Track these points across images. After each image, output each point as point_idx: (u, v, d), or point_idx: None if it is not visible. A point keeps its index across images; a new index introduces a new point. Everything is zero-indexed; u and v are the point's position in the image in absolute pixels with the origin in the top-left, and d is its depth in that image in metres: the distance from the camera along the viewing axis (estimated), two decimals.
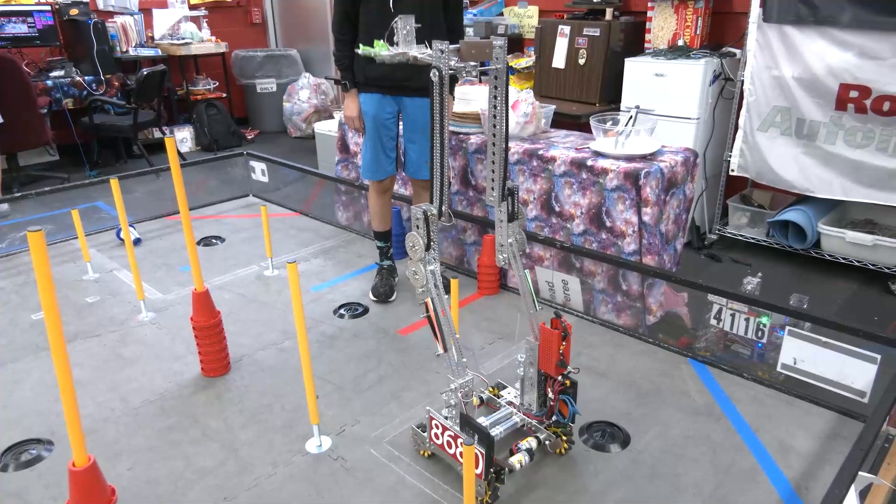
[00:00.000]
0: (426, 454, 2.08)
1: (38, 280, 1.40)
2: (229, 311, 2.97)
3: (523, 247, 2.08)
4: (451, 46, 1.85)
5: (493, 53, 1.88)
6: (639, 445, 2.14)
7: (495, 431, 2.03)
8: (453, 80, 2.81)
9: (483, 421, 2.08)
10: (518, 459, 1.93)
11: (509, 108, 1.95)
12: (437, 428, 1.98)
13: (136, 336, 2.82)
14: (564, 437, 2.06)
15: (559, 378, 1.97)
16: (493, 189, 1.99)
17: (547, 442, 2.06)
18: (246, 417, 2.29)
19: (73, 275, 3.42)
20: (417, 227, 1.85)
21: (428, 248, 1.87)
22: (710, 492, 1.94)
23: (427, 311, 1.89)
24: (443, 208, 1.90)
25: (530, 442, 2.00)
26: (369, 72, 2.78)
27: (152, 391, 2.43)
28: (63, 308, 3.02)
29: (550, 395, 2.02)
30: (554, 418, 2.04)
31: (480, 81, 4.71)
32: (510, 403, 2.18)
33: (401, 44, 1.87)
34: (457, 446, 1.92)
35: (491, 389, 2.27)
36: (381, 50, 1.87)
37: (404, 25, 1.85)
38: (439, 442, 2.00)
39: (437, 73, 1.81)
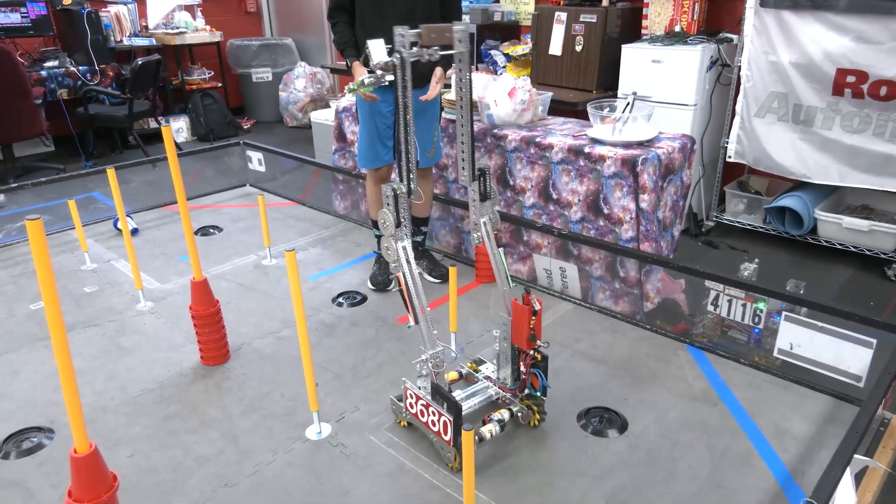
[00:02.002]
0: (403, 423, 2.16)
1: (38, 267, 1.40)
2: (228, 300, 2.97)
3: (497, 225, 2.16)
4: (411, 32, 1.93)
5: (455, 37, 1.97)
6: (636, 430, 2.15)
7: (470, 403, 2.15)
8: (446, 66, 2.80)
9: (460, 393, 2.19)
10: (489, 429, 2.01)
11: (472, 90, 2.08)
12: (412, 398, 2.06)
13: (134, 325, 2.82)
14: (536, 410, 2.12)
15: (530, 352, 2.03)
16: (463, 169, 2.10)
17: (519, 414, 2.13)
18: (245, 405, 2.29)
19: (70, 265, 3.41)
20: (388, 204, 1.93)
21: (398, 224, 1.96)
22: (706, 476, 1.95)
23: (399, 284, 1.97)
24: (412, 186, 1.99)
25: (503, 414, 2.08)
26: (366, 62, 2.77)
27: (152, 380, 2.44)
28: (61, 298, 3.00)
29: (522, 368, 2.08)
30: (526, 391, 2.11)
31: (477, 69, 4.71)
32: (487, 378, 2.26)
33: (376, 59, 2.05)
34: (429, 415, 2.00)
35: (470, 364, 2.36)
36: (363, 81, 2.10)
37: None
38: (413, 411, 2.08)
39: (398, 57, 1.90)
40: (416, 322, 1.97)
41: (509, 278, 2.11)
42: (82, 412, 1.55)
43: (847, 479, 1.58)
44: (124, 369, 2.51)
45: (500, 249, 2.13)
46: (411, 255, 1.98)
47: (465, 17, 4.78)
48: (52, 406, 2.30)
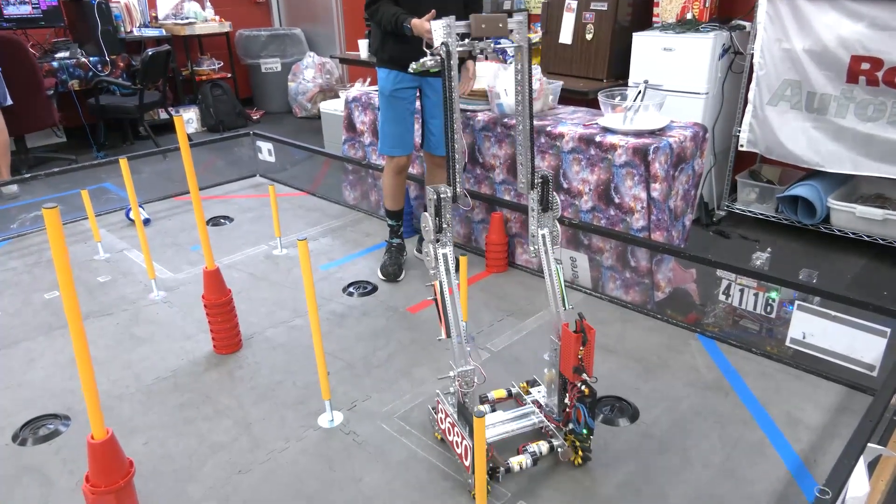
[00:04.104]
0: (438, 437, 2.07)
1: (54, 256, 1.41)
2: (239, 289, 2.98)
3: (557, 240, 1.99)
4: (461, 22, 1.82)
5: (510, 28, 1.84)
6: (647, 419, 2.15)
7: (511, 427, 2.00)
8: (472, 56, 2.78)
9: (502, 415, 2.04)
10: (519, 461, 1.89)
11: (533, 87, 1.92)
12: (442, 413, 1.98)
13: (147, 315, 2.84)
14: (580, 447, 1.93)
15: (578, 384, 1.84)
16: (522, 175, 1.95)
17: (559, 450, 1.94)
18: (258, 394, 2.31)
19: (84, 255, 3.44)
20: (430, 208, 1.82)
21: (439, 230, 1.84)
22: (718, 464, 1.95)
23: (434, 294, 1.85)
24: (458, 190, 1.86)
25: (540, 446, 1.93)
26: (390, 50, 2.76)
27: (165, 369, 2.46)
28: (75, 287, 3.04)
29: (567, 401, 1.92)
30: (570, 426, 1.93)
31: (486, 58, 4.68)
32: (535, 402, 2.09)
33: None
34: (453, 434, 1.90)
35: (522, 385, 2.20)
36: (425, 63, 1.90)
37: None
38: (443, 427, 2.00)
39: (444, 49, 1.78)
40: (448, 335, 1.83)
41: (566, 299, 1.93)
42: (99, 399, 1.57)
43: (860, 468, 1.58)
44: (138, 358, 2.53)
45: (559, 266, 1.95)
46: (452, 263, 1.85)
47: None
48: (68, 394, 2.32)
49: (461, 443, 1.84)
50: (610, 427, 2.12)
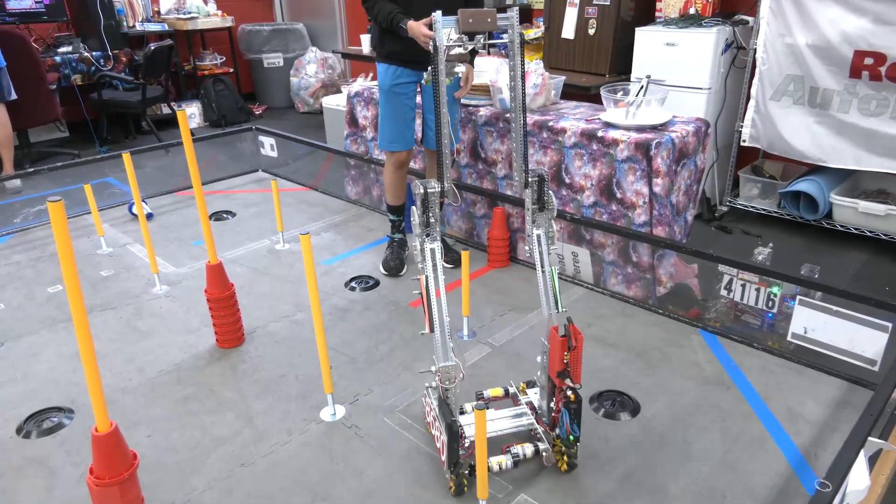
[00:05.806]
0: (430, 429, 2.07)
1: (59, 248, 1.42)
2: (242, 284, 2.99)
3: (553, 240, 1.94)
4: (448, 18, 1.86)
5: (499, 24, 1.88)
6: (648, 414, 2.16)
7: (500, 426, 1.96)
8: (472, 51, 2.76)
9: (494, 413, 2.01)
10: (499, 461, 1.86)
11: (526, 83, 1.98)
12: (427, 406, 2.02)
13: (150, 309, 2.85)
14: (566, 453, 1.88)
15: (563, 389, 1.81)
16: (516, 173, 1.94)
17: (544, 454, 1.89)
18: (261, 387, 2.32)
19: (87, 249, 3.45)
20: (418, 203, 1.84)
21: (427, 224, 1.82)
22: (719, 458, 1.96)
23: (420, 288, 1.84)
24: (446, 185, 1.85)
25: (525, 448, 1.89)
26: (389, 46, 2.76)
27: (168, 362, 2.47)
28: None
29: (554, 405, 1.89)
30: (557, 430, 1.88)
31: (489, 53, 4.68)
32: (529, 404, 2.05)
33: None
34: (434, 428, 1.92)
35: (522, 385, 2.15)
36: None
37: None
38: (428, 420, 2.03)
39: (432, 43, 1.83)
40: (431, 331, 1.81)
41: (559, 302, 1.87)
42: (103, 392, 1.57)
43: (861, 462, 1.58)
44: (141, 352, 2.55)
45: (554, 268, 1.89)
46: (440, 258, 1.84)
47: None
48: (72, 387, 2.34)
49: (440, 436, 1.84)
50: (611, 421, 2.13)
